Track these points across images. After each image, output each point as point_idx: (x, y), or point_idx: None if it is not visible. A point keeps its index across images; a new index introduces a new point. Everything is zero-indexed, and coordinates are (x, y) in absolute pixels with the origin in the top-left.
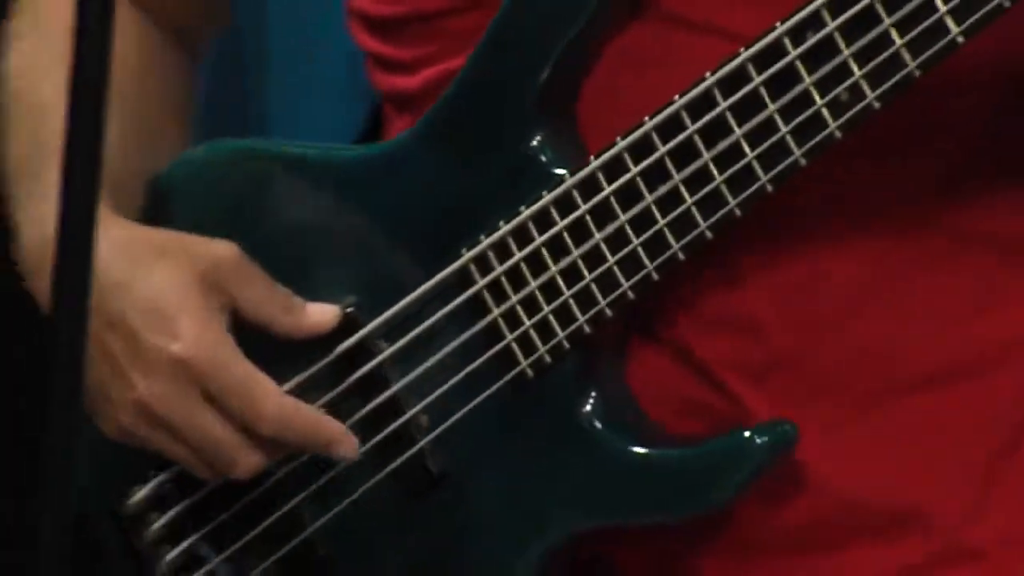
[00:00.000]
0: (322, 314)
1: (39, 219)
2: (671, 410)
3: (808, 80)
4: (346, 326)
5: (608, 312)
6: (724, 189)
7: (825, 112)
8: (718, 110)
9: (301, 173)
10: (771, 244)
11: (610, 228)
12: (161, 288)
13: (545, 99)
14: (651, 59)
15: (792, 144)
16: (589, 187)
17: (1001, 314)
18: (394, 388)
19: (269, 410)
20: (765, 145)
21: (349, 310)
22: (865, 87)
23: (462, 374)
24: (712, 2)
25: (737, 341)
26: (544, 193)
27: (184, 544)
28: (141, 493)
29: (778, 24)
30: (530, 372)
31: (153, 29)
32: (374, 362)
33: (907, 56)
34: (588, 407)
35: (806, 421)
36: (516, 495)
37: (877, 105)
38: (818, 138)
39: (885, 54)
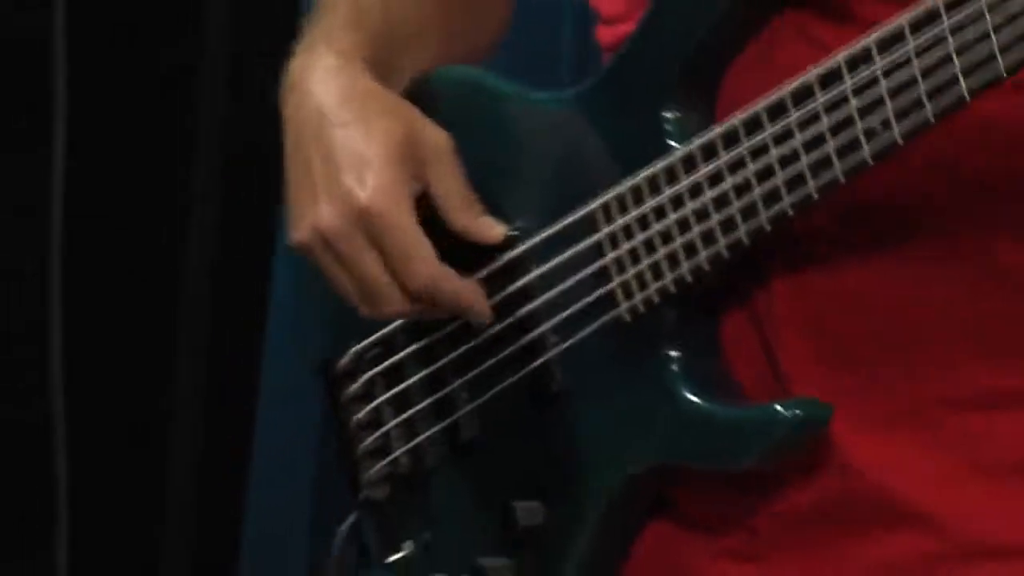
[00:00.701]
0: (491, 227)
1: (299, 58)
2: (750, 381)
3: (853, 104)
4: (505, 245)
5: (688, 278)
6: (783, 189)
7: (862, 137)
8: (787, 120)
9: (503, 108)
10: (839, 250)
11: (696, 204)
12: (371, 141)
13: (682, 79)
14: (778, 61)
15: (835, 159)
16: (688, 164)
17: None
18: (535, 303)
19: (422, 272)
20: (814, 156)
21: (514, 232)
22: (893, 123)
23: (578, 307)
24: (831, 30)
25: (798, 336)
26: (658, 162)
27: (371, 405)
28: (349, 354)
29: (838, 53)
30: (627, 316)
31: None
32: (531, 276)
33: (928, 105)
34: (669, 355)
35: (850, 412)
36: (606, 423)
37: (901, 142)
38: (854, 161)
39: (912, 95)
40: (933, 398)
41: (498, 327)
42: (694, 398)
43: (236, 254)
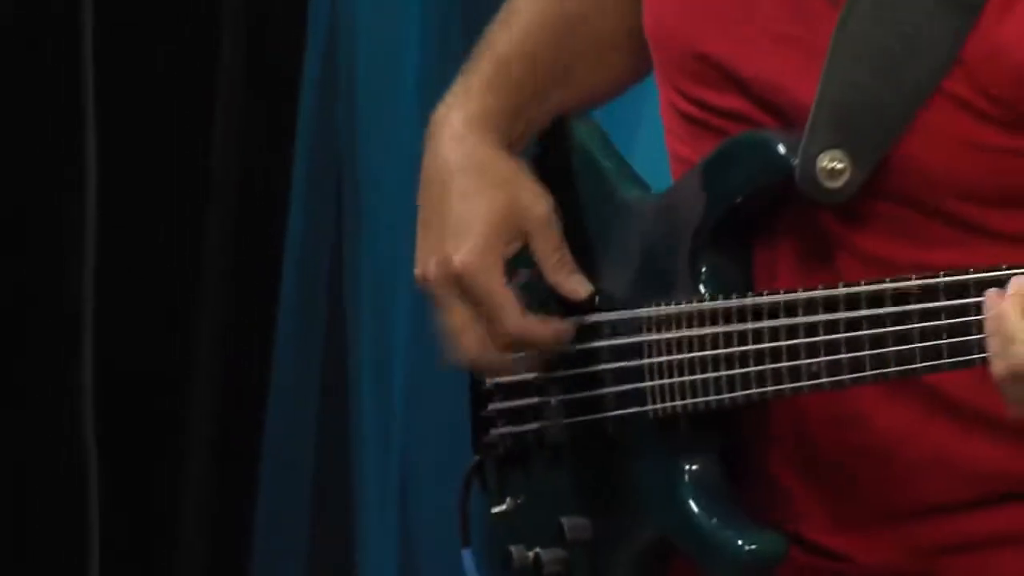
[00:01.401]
0: (581, 283)
1: (442, 109)
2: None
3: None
4: (586, 304)
5: (701, 407)
6: (752, 378)
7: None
8: (777, 320)
9: (602, 187)
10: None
11: (711, 353)
12: (477, 211)
13: (711, 238)
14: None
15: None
16: (699, 319)
17: None
18: (602, 366)
19: (506, 327)
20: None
21: (597, 295)
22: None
23: (627, 387)
24: (851, 232)
25: (793, 452)
26: (683, 302)
27: (497, 404)
28: None
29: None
30: (651, 415)
31: None
32: (601, 343)
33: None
34: (682, 466)
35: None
36: (640, 485)
37: (828, 386)
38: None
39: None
40: (906, 506)
41: (574, 372)
42: (697, 511)
43: (248, 263)
